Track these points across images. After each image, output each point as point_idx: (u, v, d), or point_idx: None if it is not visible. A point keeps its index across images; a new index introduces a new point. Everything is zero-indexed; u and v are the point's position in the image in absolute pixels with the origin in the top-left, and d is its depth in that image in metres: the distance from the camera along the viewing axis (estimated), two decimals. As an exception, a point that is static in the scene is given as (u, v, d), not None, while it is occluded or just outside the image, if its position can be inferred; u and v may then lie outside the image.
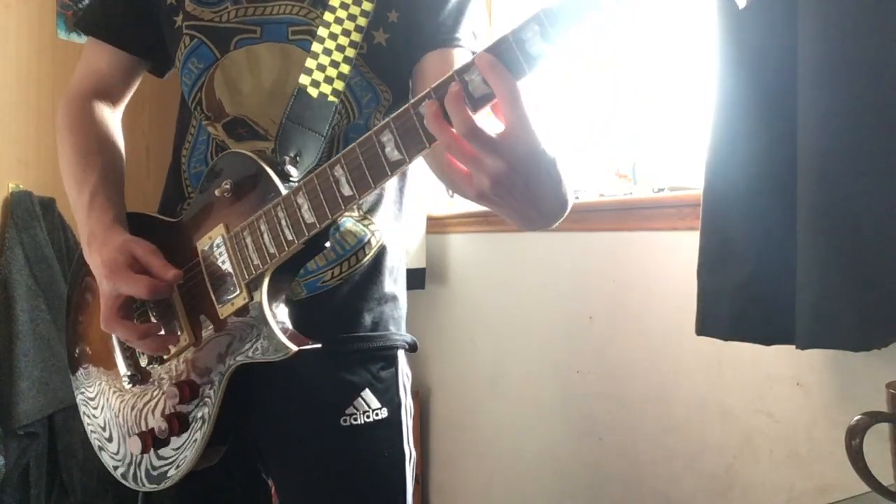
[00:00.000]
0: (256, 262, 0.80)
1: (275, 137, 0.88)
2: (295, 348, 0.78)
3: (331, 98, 0.89)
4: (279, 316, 0.81)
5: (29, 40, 2.28)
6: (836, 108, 0.89)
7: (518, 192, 0.63)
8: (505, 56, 0.59)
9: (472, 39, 0.95)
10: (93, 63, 1.03)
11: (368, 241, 0.94)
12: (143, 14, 0.99)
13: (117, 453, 0.95)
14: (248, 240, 0.81)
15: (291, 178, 0.84)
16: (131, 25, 1.00)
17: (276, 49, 0.91)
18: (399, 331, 1.00)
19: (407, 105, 0.65)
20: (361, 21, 0.90)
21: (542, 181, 0.64)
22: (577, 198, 1.69)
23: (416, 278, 2.03)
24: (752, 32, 1.02)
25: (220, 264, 0.84)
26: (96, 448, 0.98)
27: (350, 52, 0.90)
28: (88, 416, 0.99)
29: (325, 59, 0.89)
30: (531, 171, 0.62)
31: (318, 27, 0.90)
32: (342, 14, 0.90)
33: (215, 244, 0.85)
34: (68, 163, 0.97)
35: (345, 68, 0.89)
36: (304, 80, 0.88)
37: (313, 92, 0.88)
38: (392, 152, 0.66)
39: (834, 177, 0.90)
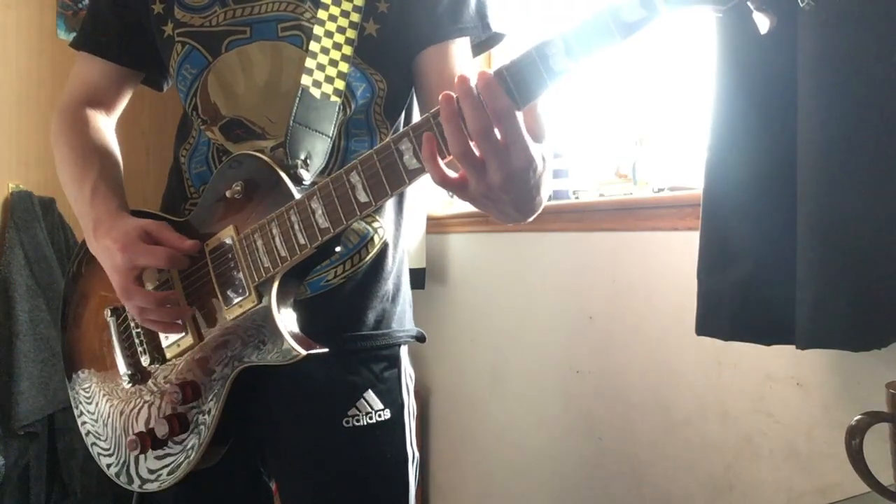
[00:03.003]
0: (267, 264, 0.80)
1: (283, 138, 0.87)
2: (304, 352, 0.78)
3: (333, 98, 0.89)
4: (287, 319, 0.81)
5: (29, 40, 2.28)
6: (835, 107, 0.89)
7: (504, 201, 0.66)
8: (527, 69, 0.60)
9: (477, 23, 0.95)
10: (84, 74, 1.04)
11: (371, 239, 0.94)
12: (131, 26, 0.99)
13: (113, 454, 0.94)
14: (259, 242, 0.80)
15: (304, 182, 0.84)
16: (119, 37, 1.00)
17: (267, 47, 0.91)
18: (402, 327, 1.00)
19: (427, 115, 0.65)
20: (354, 17, 0.90)
21: (527, 193, 0.67)
22: (577, 198, 1.69)
23: (416, 278, 2.02)
24: (755, 36, 1.01)
25: (229, 265, 0.84)
26: (91, 448, 0.98)
27: (347, 50, 0.89)
28: (85, 416, 0.99)
29: (323, 59, 0.89)
30: (521, 184, 0.65)
31: (308, 23, 0.90)
32: (335, 11, 0.90)
33: (224, 245, 0.85)
34: (66, 165, 0.97)
35: (343, 66, 0.89)
36: (305, 80, 0.88)
37: (316, 92, 0.88)
38: (411, 160, 0.67)
39: (834, 176, 0.90)
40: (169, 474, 0.88)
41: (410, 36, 0.93)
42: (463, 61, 0.94)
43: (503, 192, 0.64)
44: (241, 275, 0.83)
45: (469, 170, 0.63)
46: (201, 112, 0.94)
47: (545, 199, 0.71)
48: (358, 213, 0.72)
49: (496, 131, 0.61)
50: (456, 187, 0.66)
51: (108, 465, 0.94)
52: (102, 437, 0.96)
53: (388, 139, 0.68)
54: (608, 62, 0.62)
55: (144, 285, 0.89)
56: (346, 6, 0.90)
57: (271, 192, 0.82)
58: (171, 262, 0.82)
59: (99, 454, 0.96)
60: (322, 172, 0.88)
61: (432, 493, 2.16)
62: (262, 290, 0.81)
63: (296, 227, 0.77)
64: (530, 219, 0.73)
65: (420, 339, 1.02)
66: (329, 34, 0.89)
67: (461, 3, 0.94)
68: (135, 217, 0.88)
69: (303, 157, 0.86)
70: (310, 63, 0.88)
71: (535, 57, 0.60)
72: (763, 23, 0.61)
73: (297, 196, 0.78)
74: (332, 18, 0.89)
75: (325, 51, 0.89)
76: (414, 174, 0.67)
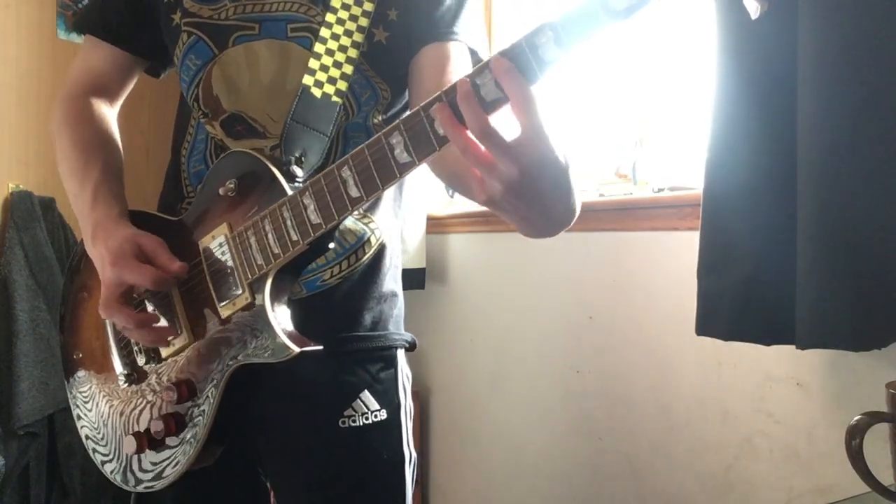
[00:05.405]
0: (260, 262, 0.80)
1: (280, 137, 0.87)
2: (297, 350, 0.77)
3: (334, 98, 0.89)
4: (281, 317, 0.81)
5: (29, 40, 2.28)
6: (835, 107, 0.89)
7: (528, 200, 0.64)
8: (517, 60, 0.59)
9: (471, 34, 0.95)
10: (89, 61, 1.03)
11: (368, 240, 0.94)
12: (140, 12, 0.99)
13: (110, 454, 0.94)
14: (252, 239, 0.80)
15: (297, 179, 0.83)
16: (129, 24, 1.00)
17: (274, 46, 0.91)
18: (398, 330, 1.00)
19: (417, 108, 0.65)
20: (363, 21, 0.90)
21: (552, 189, 0.64)
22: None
23: (416, 278, 2.02)
24: (753, 32, 1.01)
25: (223, 263, 0.84)
26: (89, 449, 0.97)
27: (353, 53, 0.90)
28: (84, 420, 0.99)
29: (328, 60, 0.89)
30: (543, 178, 0.62)
31: (318, 26, 0.90)
32: (344, 14, 0.90)
33: (218, 243, 0.85)
34: (67, 156, 0.96)
35: (348, 68, 0.89)
36: (307, 80, 0.88)
37: (317, 92, 0.88)
38: (401, 154, 0.66)
39: (834, 177, 0.90)
40: (161, 475, 0.87)
41: (412, 41, 0.93)
42: (458, 62, 0.94)
43: (523, 189, 0.62)
44: (234, 272, 0.82)
45: (481, 169, 0.63)
46: (202, 104, 0.93)
47: (577, 206, 0.68)
48: (349, 208, 0.72)
49: (497, 129, 0.60)
50: (474, 185, 0.65)
51: (112, 472, 0.94)
52: (102, 442, 0.95)
53: (378, 133, 0.68)
54: (602, 54, 0.61)
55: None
56: (356, 10, 0.90)
57: (265, 190, 0.82)
58: (157, 284, 0.82)
59: (102, 462, 0.96)
60: (317, 171, 0.88)
61: (432, 493, 2.16)
62: (255, 288, 0.81)
63: (288, 223, 0.77)
64: (561, 231, 0.70)
65: (411, 346, 1.02)
66: (336, 36, 0.89)
67: (460, 8, 0.94)
68: (133, 226, 0.88)
69: (297, 154, 0.86)
70: (313, 63, 0.88)
71: (524, 47, 0.59)
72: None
73: (290, 193, 0.78)
74: (340, 22, 0.89)
75: (329, 52, 0.89)
76: (405, 168, 0.67)
